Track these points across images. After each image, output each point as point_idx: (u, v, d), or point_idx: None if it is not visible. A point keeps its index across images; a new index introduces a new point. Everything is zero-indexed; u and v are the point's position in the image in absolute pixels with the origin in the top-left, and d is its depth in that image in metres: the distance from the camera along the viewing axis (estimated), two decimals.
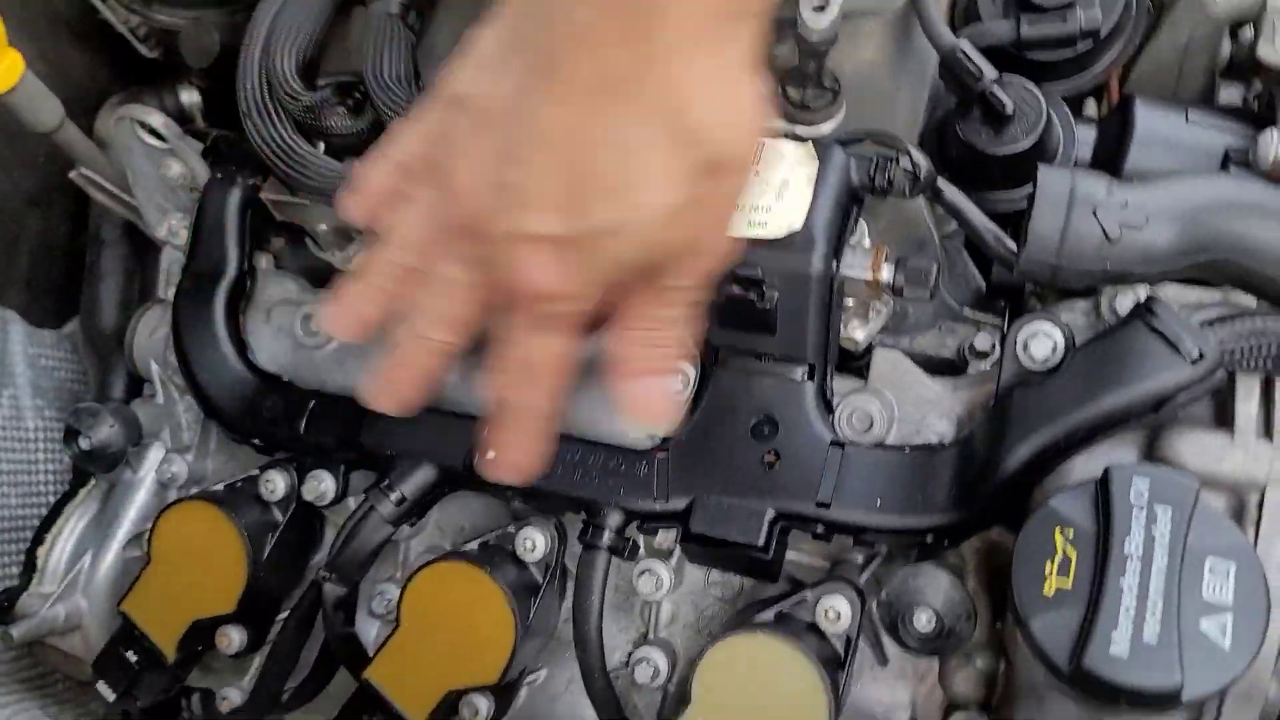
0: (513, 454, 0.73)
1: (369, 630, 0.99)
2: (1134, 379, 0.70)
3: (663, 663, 0.91)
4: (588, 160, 0.58)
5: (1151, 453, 0.73)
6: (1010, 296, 0.96)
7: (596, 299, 0.65)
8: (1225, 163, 0.83)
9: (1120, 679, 0.61)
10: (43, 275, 1.25)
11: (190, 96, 1.26)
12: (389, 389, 0.73)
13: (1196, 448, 0.71)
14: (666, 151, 0.58)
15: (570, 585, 0.91)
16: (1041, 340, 0.75)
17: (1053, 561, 0.66)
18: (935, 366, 0.90)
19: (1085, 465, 0.73)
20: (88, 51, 1.24)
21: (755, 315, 0.81)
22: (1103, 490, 0.67)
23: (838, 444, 0.82)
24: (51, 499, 1.16)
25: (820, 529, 0.80)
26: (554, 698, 0.95)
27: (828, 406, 0.84)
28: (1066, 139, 0.89)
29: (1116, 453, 0.73)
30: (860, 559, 0.87)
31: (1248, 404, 0.71)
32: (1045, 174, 0.73)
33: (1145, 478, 0.66)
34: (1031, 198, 0.73)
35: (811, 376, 0.83)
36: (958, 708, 0.85)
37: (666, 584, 0.88)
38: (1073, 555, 0.66)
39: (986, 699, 0.82)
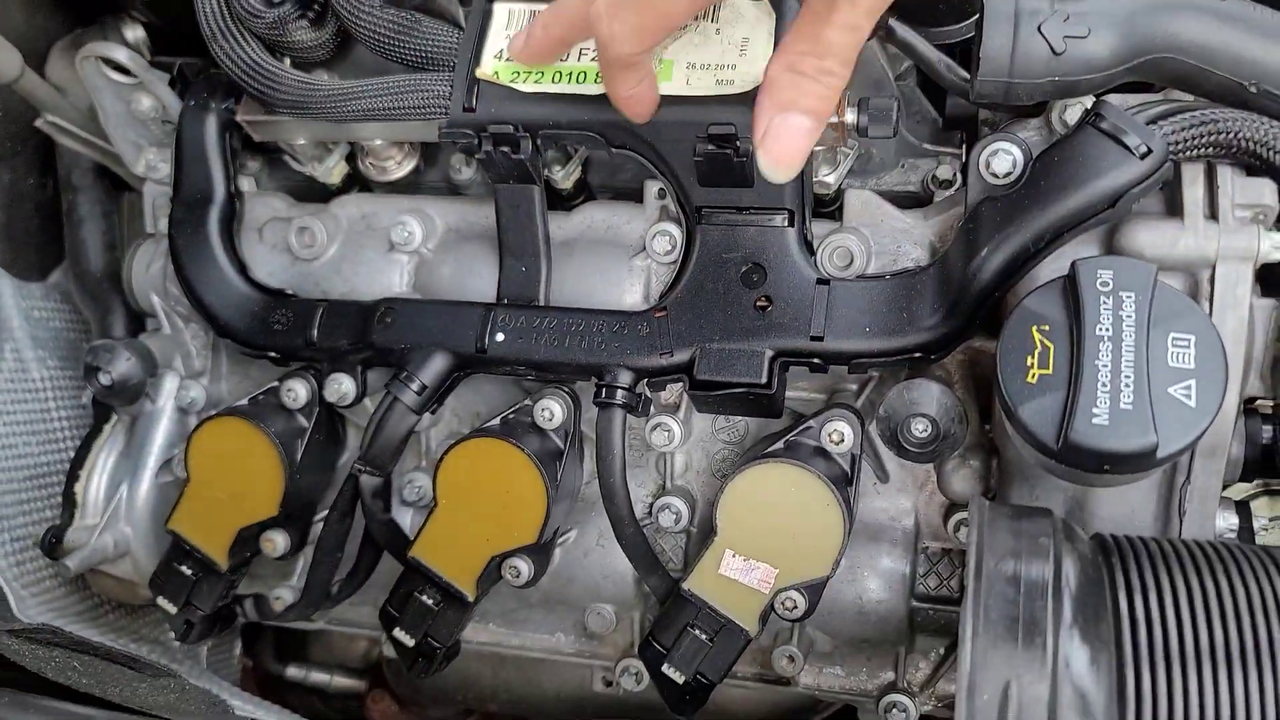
0: (619, 92, 0.78)
1: (403, 518, 1.05)
2: (1089, 179, 0.76)
3: (683, 507, 0.98)
4: None
5: (1111, 246, 0.79)
6: (965, 126, 1.01)
7: None
8: None
9: (1104, 445, 0.68)
10: (19, 229, 1.26)
11: (135, 33, 1.26)
12: (530, 40, 0.81)
13: (1151, 236, 0.78)
14: None
15: (587, 449, 0.98)
16: (1002, 156, 0.81)
17: (1032, 355, 0.73)
18: (903, 201, 0.96)
19: (1052, 266, 0.79)
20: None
21: (732, 169, 0.86)
22: (1070, 284, 0.73)
23: (823, 281, 0.87)
24: (68, 444, 1.21)
25: (817, 361, 0.86)
26: (586, 553, 1.02)
27: (809, 248, 0.90)
28: None
29: (1080, 251, 0.79)
30: (855, 386, 0.94)
31: (1194, 189, 0.78)
32: None
33: (1108, 268, 0.72)
34: (980, 22, 0.78)
35: (791, 222, 0.88)
36: (958, 506, 0.93)
37: (678, 435, 0.95)
38: (1050, 345, 0.73)
39: (984, 494, 0.90)
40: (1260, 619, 0.58)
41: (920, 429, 0.83)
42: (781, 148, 0.70)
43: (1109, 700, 0.58)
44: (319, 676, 1.44)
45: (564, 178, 0.97)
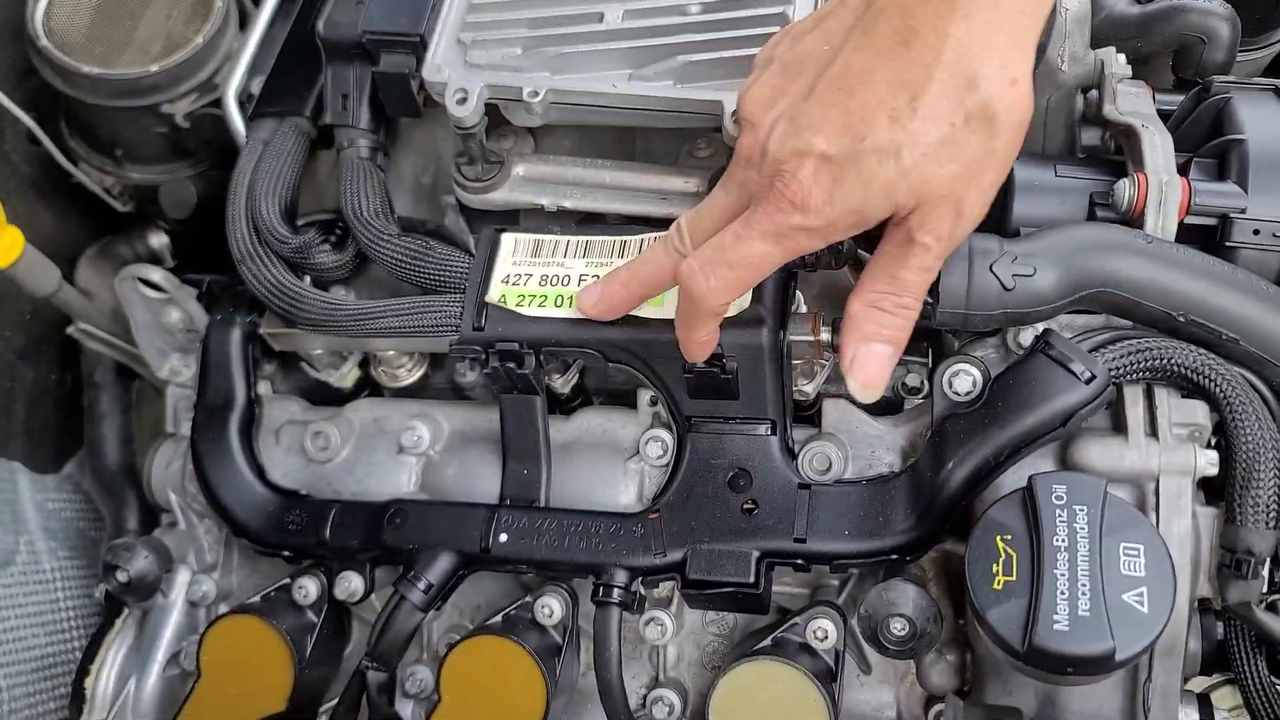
0: (691, 339, 0.84)
1: (404, 710, 1.08)
2: (1041, 401, 0.84)
3: (675, 699, 1.02)
4: (873, 93, 0.67)
5: (1065, 461, 0.87)
6: (930, 339, 1.10)
7: (833, 233, 0.72)
8: (1091, 206, 0.98)
9: (1065, 649, 0.74)
10: (39, 424, 1.33)
11: (159, 240, 1.37)
12: (606, 297, 0.88)
13: (1100, 451, 0.86)
14: (944, 92, 0.66)
15: (583, 643, 1.03)
16: (963, 377, 0.90)
17: (997, 563, 0.79)
18: (875, 407, 1.04)
19: (1012, 477, 0.87)
20: (57, 208, 1.34)
21: (719, 385, 0.94)
22: (1029, 497, 0.80)
23: (804, 486, 0.94)
24: (77, 635, 1.25)
25: (800, 562, 0.93)
26: None
27: (791, 454, 0.97)
28: None
29: (1037, 464, 0.87)
30: (836, 582, 1.00)
31: (1135, 409, 0.86)
32: None
33: (1062, 483, 0.80)
34: None
35: (774, 431, 0.96)
36: (937, 699, 0.97)
37: (670, 630, 1.00)
38: (1013, 554, 0.79)
39: (960, 687, 0.95)
40: None
41: (899, 628, 0.88)
42: (868, 373, 0.79)
43: None
44: None
45: (563, 384, 1.06)
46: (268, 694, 1.02)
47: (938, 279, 0.87)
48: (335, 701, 1.03)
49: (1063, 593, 0.76)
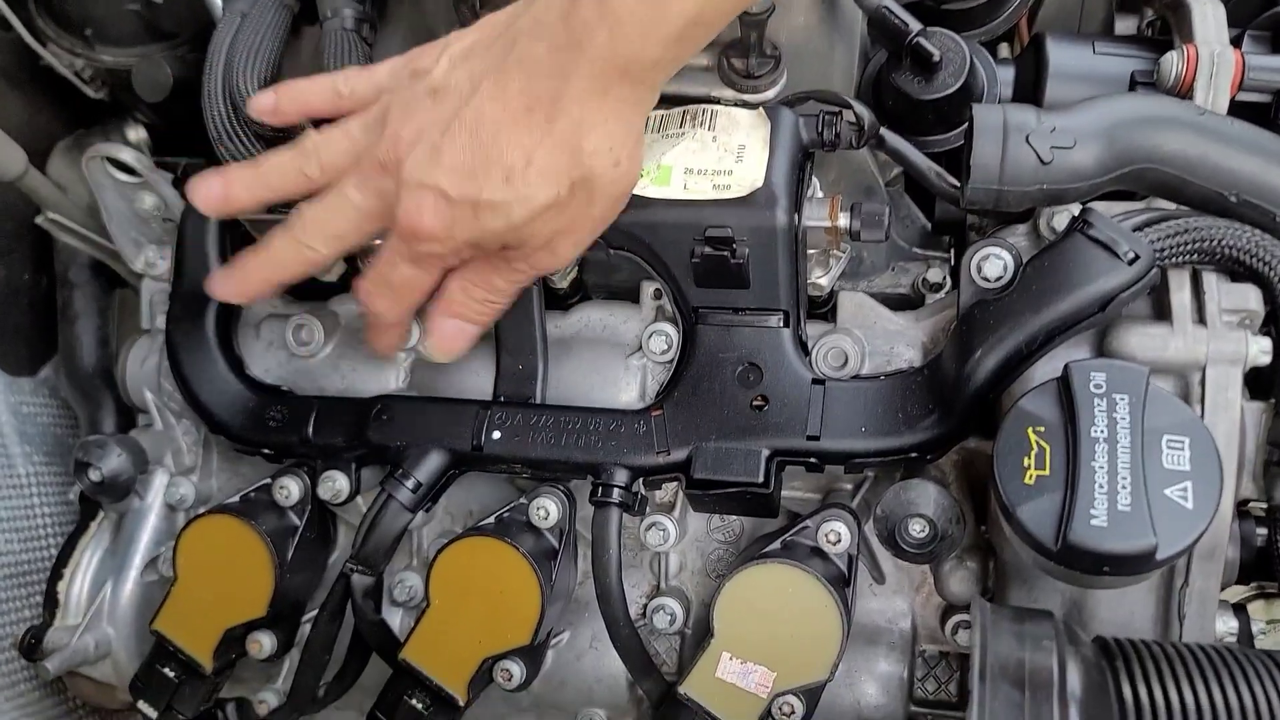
0: (377, 343, 0.94)
1: (393, 619, 1.03)
2: (1080, 284, 0.78)
3: (678, 608, 0.97)
4: (498, 151, 0.76)
5: (1102, 349, 0.81)
6: (953, 231, 1.03)
7: (459, 255, 0.82)
8: (1132, 86, 0.91)
9: (1103, 546, 0.68)
10: (11, 324, 1.26)
11: (137, 133, 1.29)
12: (239, 279, 0.89)
13: (1142, 339, 0.79)
14: (556, 164, 0.76)
15: (581, 549, 0.97)
16: (993, 261, 0.83)
17: (1029, 456, 0.73)
18: (894, 303, 0.97)
19: (1045, 368, 0.80)
20: (27, 96, 1.25)
21: (729, 272, 0.87)
22: (1064, 386, 0.74)
23: (818, 381, 0.88)
24: (52, 541, 1.19)
25: (813, 460, 0.87)
26: (580, 655, 1.00)
27: (804, 349, 0.91)
28: (990, 80, 0.96)
29: (1072, 353, 0.80)
30: (850, 485, 0.94)
31: (1181, 294, 0.79)
32: (980, 110, 0.80)
33: (1101, 371, 0.74)
34: (970, 134, 0.81)
35: (787, 323, 0.89)
36: (955, 609, 0.92)
37: (673, 535, 0.95)
38: (1046, 447, 0.73)
39: (981, 596, 0.89)
40: None
41: (918, 530, 0.83)
42: (450, 344, 0.89)
43: None
44: None
45: (561, 278, 0.99)
46: (247, 598, 0.96)
47: (968, 154, 0.80)
48: (319, 609, 0.98)
49: (1101, 486, 0.70)
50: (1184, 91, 0.85)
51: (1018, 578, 0.85)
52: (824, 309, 0.97)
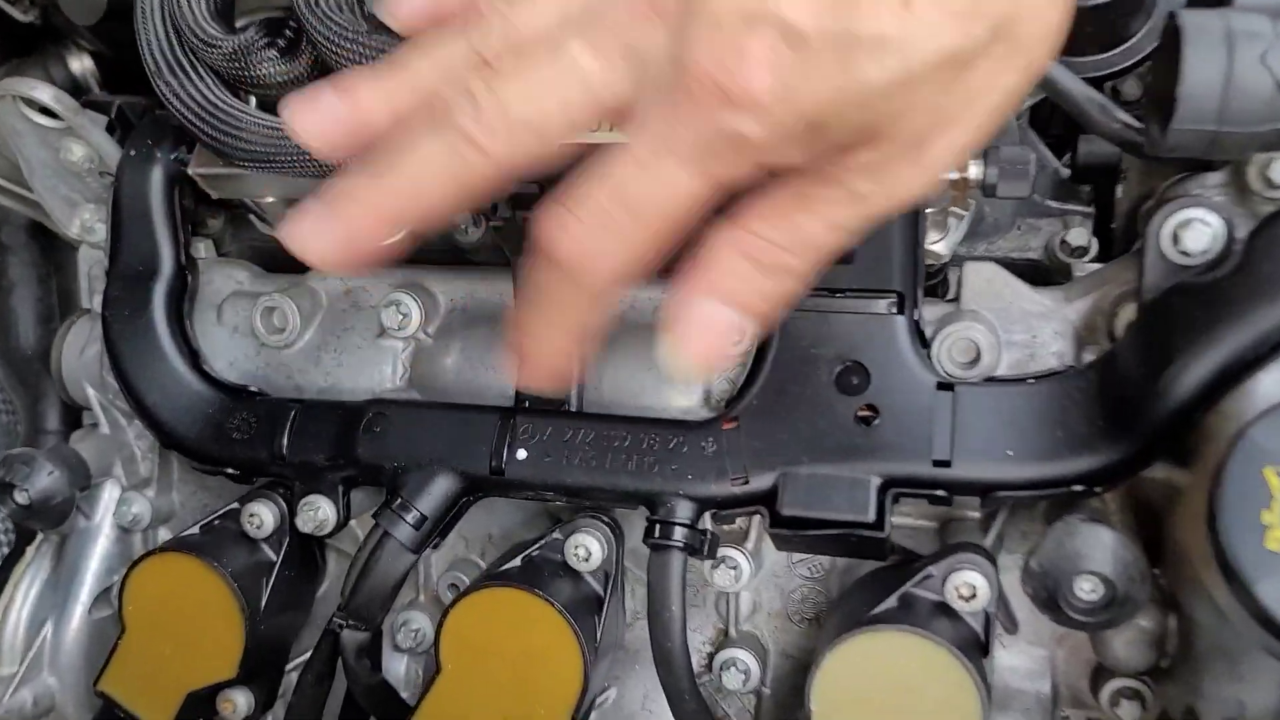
0: (545, 344, 0.51)
1: (396, 667, 0.84)
2: None
3: (752, 663, 0.77)
4: None
5: None
6: (1097, 179, 0.81)
7: (778, 153, 0.46)
8: None
9: None
10: None
11: (82, 63, 1.06)
12: (344, 232, 0.49)
13: None
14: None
15: (628, 585, 0.77)
16: (1197, 230, 0.61)
17: (1271, 509, 0.52)
18: (1022, 272, 0.75)
19: (1272, 379, 0.59)
20: None
21: None
22: None
23: (945, 385, 0.67)
24: None
25: (941, 493, 0.66)
26: (629, 718, 0.81)
27: (923, 340, 0.69)
28: None
29: None
30: (978, 514, 0.73)
31: None
32: (1190, 16, 0.58)
33: None
34: (1171, 50, 0.58)
35: (901, 308, 0.68)
36: (1113, 674, 0.72)
37: (746, 573, 0.75)
38: None
39: (1155, 663, 0.69)
40: None
41: (1088, 590, 0.62)
42: (695, 341, 0.49)
43: None
44: None
45: None
46: (213, 655, 0.77)
47: (1171, 79, 0.57)
48: (306, 657, 0.78)
49: None
50: None
51: (1215, 650, 0.64)
52: (932, 281, 0.76)
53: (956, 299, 0.73)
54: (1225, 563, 0.53)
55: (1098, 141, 0.77)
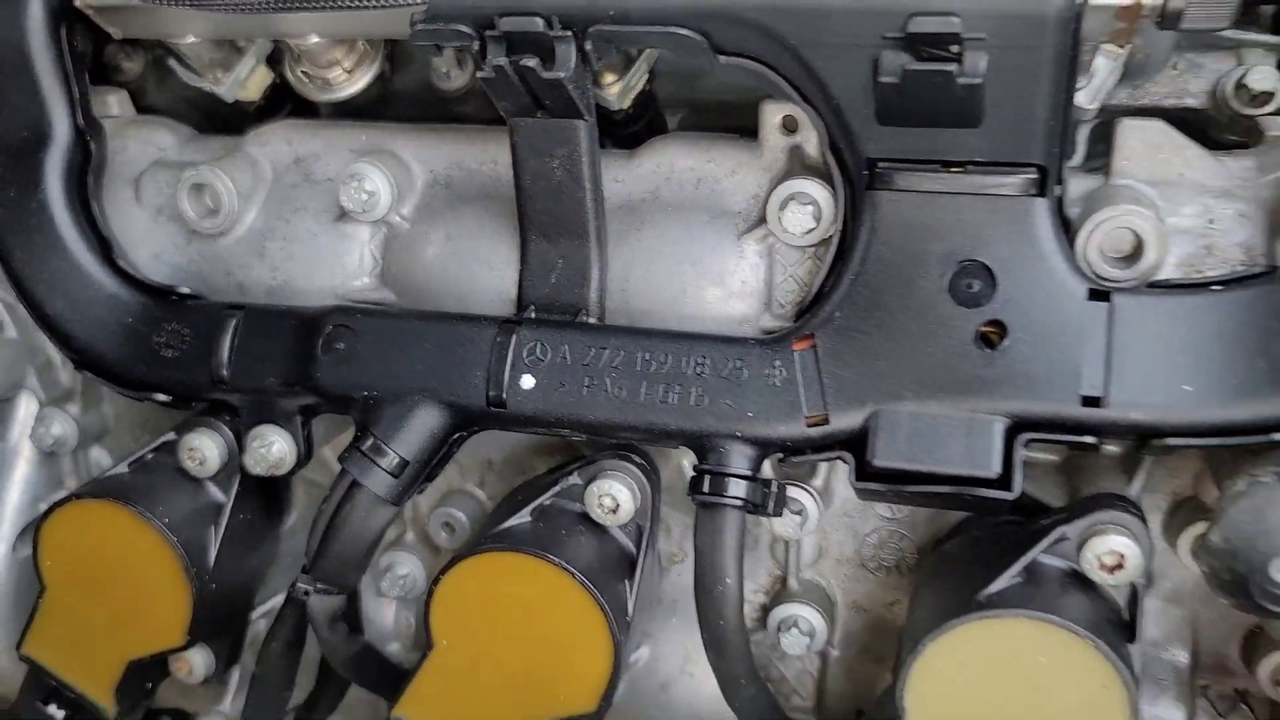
0: None
1: (383, 616, 0.71)
2: None
3: (817, 620, 0.64)
4: None
5: None
6: None
7: None
8: None
9: None
10: None
11: None
12: None
13: None
14: None
15: (661, 533, 0.63)
16: None
17: None
18: (1184, 125, 0.57)
19: None
20: None
21: (946, 98, 0.48)
22: None
23: (1099, 294, 0.50)
24: None
25: (1090, 440, 0.49)
26: (666, 684, 0.69)
27: (1067, 230, 0.51)
28: None
29: None
30: (1118, 450, 0.57)
31: None
32: None
33: None
34: None
35: (1042, 189, 0.50)
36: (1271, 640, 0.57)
37: (814, 516, 0.60)
38: None
39: None
40: None
41: None
42: None
43: None
44: None
45: (621, 94, 0.59)
46: (155, 620, 0.64)
47: None
48: (276, 601, 0.65)
49: None
50: None
51: None
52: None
53: (1106, 170, 0.54)
54: None
55: None
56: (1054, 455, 0.60)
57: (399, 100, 0.68)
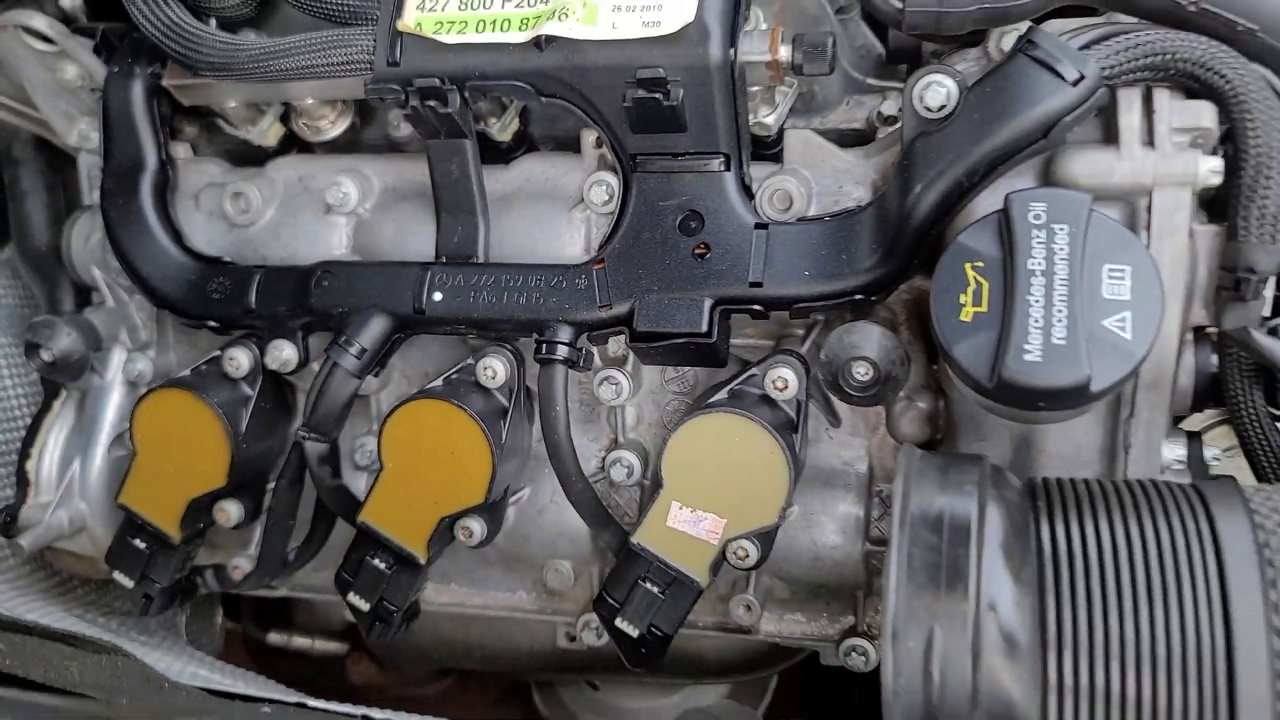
0: None
1: (357, 483, 1.04)
2: (1021, 109, 0.74)
3: (634, 461, 0.97)
4: None
5: (1047, 178, 0.77)
6: (909, 59, 0.98)
7: None
8: None
9: (1036, 381, 0.66)
10: None
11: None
12: None
13: (1087, 165, 0.76)
14: None
15: (535, 406, 0.97)
16: (935, 89, 0.79)
17: (965, 292, 0.71)
18: (849, 139, 0.93)
19: (988, 200, 0.77)
20: None
21: (665, 115, 0.83)
22: (1004, 218, 0.71)
23: (761, 225, 0.85)
24: (26, 420, 1.20)
25: (757, 308, 0.84)
26: (541, 510, 1.01)
27: (748, 192, 0.87)
28: None
29: (1016, 183, 0.77)
30: (801, 331, 0.92)
31: (1130, 116, 0.75)
32: None
33: (1041, 200, 0.70)
34: None
35: (728, 166, 0.86)
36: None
37: (626, 389, 0.94)
38: (984, 282, 0.71)
39: (932, 435, 0.89)
40: (1169, 558, 0.57)
41: (861, 372, 0.81)
42: None
43: (1033, 639, 0.57)
44: (301, 641, 1.44)
45: (500, 130, 0.95)
46: (207, 469, 0.97)
47: None
48: (278, 476, 0.99)
49: (1036, 321, 0.68)
50: None
51: (966, 417, 0.84)
52: (774, 149, 0.93)
53: (782, 160, 0.91)
54: (936, 333, 0.72)
55: None
56: (769, 340, 0.95)
57: (365, 140, 1.05)
